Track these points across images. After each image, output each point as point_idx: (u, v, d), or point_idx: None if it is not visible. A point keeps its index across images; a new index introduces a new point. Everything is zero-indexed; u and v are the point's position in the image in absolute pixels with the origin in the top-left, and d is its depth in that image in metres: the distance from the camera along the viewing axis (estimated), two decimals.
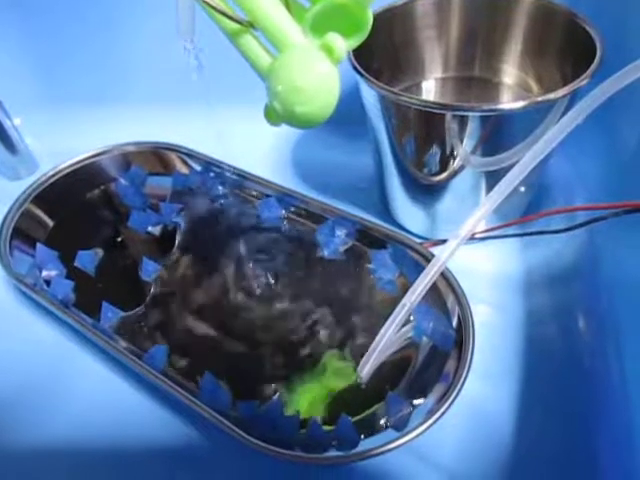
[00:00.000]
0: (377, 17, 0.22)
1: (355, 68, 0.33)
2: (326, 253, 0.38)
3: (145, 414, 0.31)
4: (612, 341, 0.31)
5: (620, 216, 0.28)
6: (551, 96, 0.29)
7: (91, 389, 0.33)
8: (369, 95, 0.34)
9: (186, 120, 0.47)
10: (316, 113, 0.22)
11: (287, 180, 0.44)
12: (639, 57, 0.24)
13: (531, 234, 0.37)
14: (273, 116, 0.23)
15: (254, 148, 0.47)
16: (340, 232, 0.38)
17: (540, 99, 0.29)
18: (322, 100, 0.22)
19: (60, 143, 0.48)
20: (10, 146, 0.47)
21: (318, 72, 0.22)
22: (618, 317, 0.32)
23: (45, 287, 0.36)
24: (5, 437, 0.31)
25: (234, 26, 0.23)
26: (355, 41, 0.23)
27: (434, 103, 0.31)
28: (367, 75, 0.32)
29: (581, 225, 0.33)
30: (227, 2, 0.23)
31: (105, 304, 0.35)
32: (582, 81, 0.30)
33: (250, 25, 0.23)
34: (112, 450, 0.30)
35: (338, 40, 0.21)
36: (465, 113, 0.30)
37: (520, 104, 0.29)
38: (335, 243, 0.38)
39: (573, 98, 0.30)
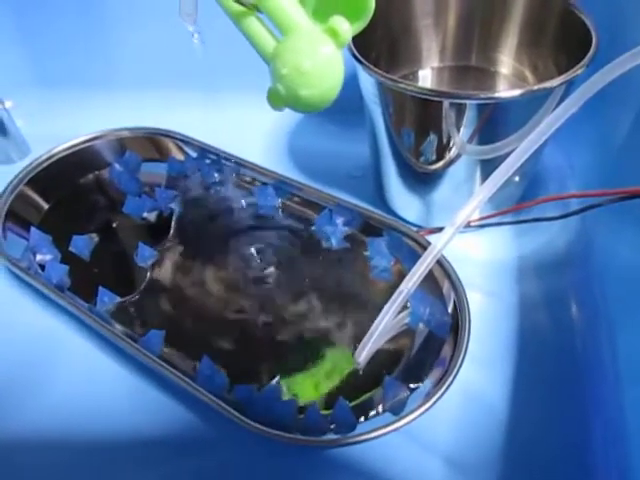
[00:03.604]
0: (375, 5, 0.22)
1: (354, 55, 0.33)
2: (325, 241, 0.38)
3: (142, 398, 0.31)
4: (605, 327, 0.32)
5: (613, 203, 0.29)
6: (547, 85, 0.30)
7: (87, 373, 0.33)
8: (367, 82, 0.34)
9: (182, 106, 0.47)
10: (320, 96, 0.22)
11: (283, 168, 0.44)
12: (634, 46, 0.24)
13: (525, 222, 0.37)
14: (276, 100, 0.23)
15: (250, 135, 0.47)
16: (338, 220, 0.38)
17: (536, 88, 0.30)
18: (327, 83, 0.22)
19: (53, 127, 0.47)
20: (1, 129, 0.46)
21: (323, 55, 0.22)
22: (611, 303, 0.32)
23: (39, 271, 0.36)
24: (1, 421, 0.31)
25: (239, 8, 0.23)
26: (358, 26, 0.23)
27: (432, 90, 0.31)
28: (366, 62, 0.32)
29: (575, 213, 0.33)
30: None
31: (101, 288, 0.35)
32: (577, 70, 0.30)
33: (255, 8, 0.23)
34: (108, 433, 0.30)
35: (343, 24, 0.22)
36: (462, 101, 0.30)
37: (517, 92, 0.29)
38: (334, 231, 0.38)
39: (569, 87, 0.31)
